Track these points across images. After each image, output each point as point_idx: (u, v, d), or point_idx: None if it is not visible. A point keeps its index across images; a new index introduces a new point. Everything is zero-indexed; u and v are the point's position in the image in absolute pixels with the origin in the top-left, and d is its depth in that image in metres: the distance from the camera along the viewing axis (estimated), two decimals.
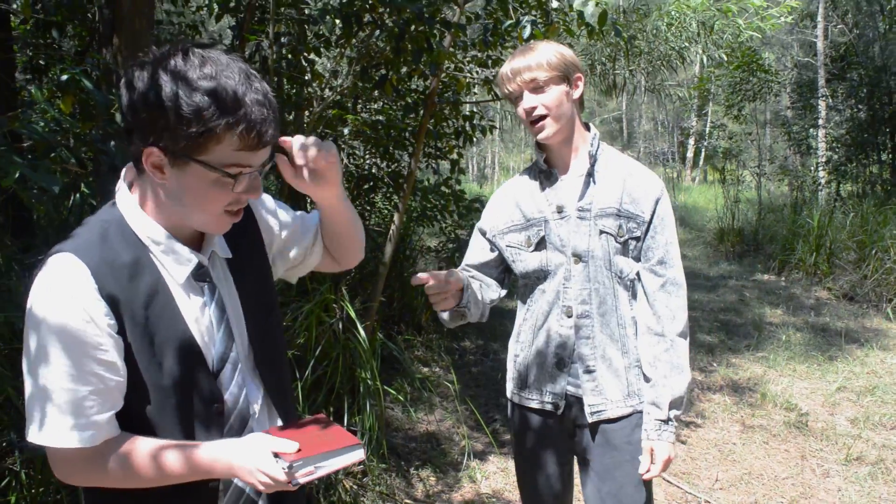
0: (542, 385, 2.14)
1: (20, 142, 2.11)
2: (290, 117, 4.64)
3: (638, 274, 2.07)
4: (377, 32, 4.02)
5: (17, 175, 1.68)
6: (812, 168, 14.24)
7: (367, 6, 3.86)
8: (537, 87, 2.01)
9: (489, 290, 2.19)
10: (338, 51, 4.55)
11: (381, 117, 5.88)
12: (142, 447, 1.27)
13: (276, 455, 1.26)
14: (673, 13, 9.30)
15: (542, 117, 2.02)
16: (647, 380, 2.05)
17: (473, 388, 5.49)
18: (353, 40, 4.27)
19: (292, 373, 3.24)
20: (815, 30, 16.58)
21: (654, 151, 29.50)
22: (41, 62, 5.42)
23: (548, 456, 2.19)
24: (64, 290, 1.21)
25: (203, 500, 1.39)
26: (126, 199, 1.33)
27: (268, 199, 1.60)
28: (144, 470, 1.26)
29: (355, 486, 3.35)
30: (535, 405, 2.17)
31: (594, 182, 2.07)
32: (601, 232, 2.03)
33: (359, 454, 1.32)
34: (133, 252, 1.29)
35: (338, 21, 4.03)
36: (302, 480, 1.24)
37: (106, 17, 2.93)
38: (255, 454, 1.26)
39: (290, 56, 4.46)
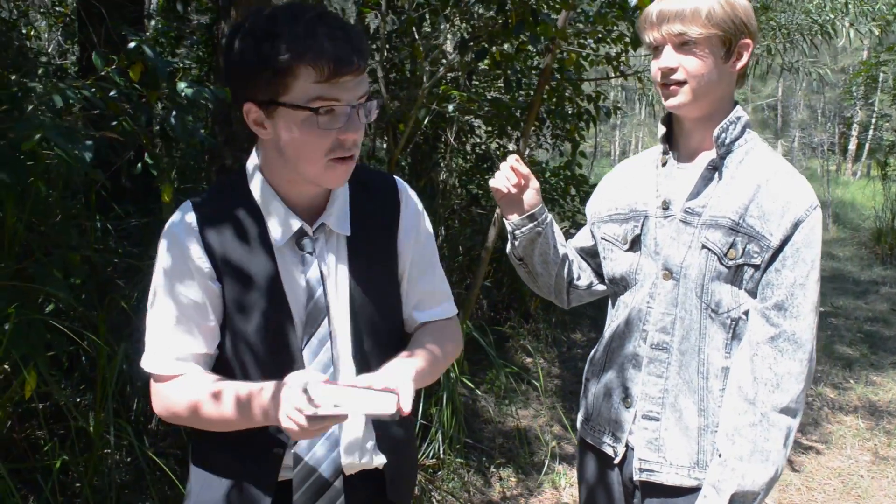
0: (605, 423, 1.74)
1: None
2: (402, 93, 4.53)
3: (748, 314, 1.57)
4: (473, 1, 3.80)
5: (37, 138, 1.62)
6: None
7: None
8: (685, 44, 1.54)
9: (582, 273, 1.86)
10: (448, 24, 4.38)
11: (506, 96, 5.67)
12: (212, 381, 1.32)
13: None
14: None
15: (679, 83, 1.56)
16: (718, 453, 1.54)
17: (575, 384, 5.22)
18: (474, 14, 4.09)
19: None
20: None
21: (810, 142, 27.32)
22: (171, 34, 5.61)
23: None
24: (171, 233, 1.34)
25: (267, 464, 1.39)
26: (251, 161, 1.39)
27: (426, 241, 1.53)
28: (213, 403, 1.30)
29: (423, 480, 3.21)
30: (595, 444, 1.77)
31: (719, 178, 1.58)
32: (703, 246, 1.56)
33: (389, 403, 1.18)
34: (244, 209, 1.36)
35: None
36: (321, 412, 1.15)
37: None
38: (289, 386, 1.21)
39: (397, 31, 4.34)
